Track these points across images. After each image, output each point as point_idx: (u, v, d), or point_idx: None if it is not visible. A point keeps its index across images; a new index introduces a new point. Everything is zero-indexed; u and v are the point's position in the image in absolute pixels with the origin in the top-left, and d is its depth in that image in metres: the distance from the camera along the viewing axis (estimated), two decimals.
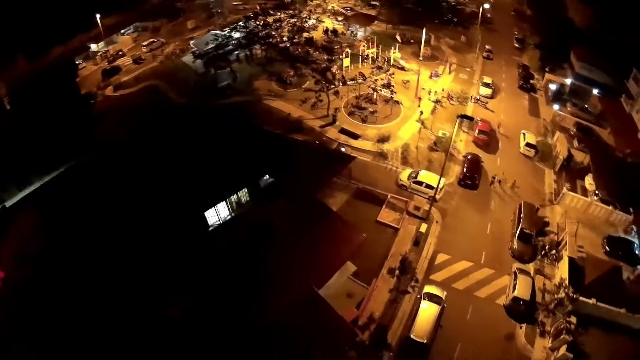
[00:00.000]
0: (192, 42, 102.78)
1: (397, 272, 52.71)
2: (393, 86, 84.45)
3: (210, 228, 41.10)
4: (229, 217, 42.07)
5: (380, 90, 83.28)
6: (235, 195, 41.94)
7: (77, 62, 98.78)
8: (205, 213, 40.24)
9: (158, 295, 39.24)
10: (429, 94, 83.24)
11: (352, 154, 64.99)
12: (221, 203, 41.44)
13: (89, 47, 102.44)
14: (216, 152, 42.52)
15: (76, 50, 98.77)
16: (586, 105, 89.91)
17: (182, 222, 39.09)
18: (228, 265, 41.86)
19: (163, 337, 38.40)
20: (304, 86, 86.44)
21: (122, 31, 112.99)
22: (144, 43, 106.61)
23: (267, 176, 43.89)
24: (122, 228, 41.20)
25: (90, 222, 43.49)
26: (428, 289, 49.81)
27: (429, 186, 61.54)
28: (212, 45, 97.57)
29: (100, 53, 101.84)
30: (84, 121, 68.23)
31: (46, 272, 41.90)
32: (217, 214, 41.06)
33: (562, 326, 46.23)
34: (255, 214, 43.45)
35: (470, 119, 58.16)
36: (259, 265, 43.30)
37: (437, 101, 79.46)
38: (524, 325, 49.12)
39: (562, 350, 44.22)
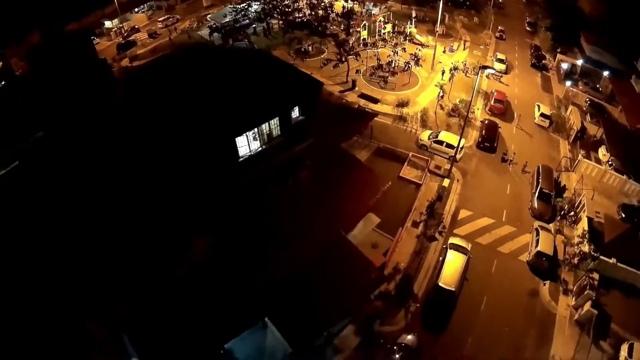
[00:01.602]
0: (209, 15, 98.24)
1: (424, 217, 49.63)
2: (420, 59, 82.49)
3: (241, 159, 35.97)
4: (260, 149, 37.09)
5: (399, 59, 79.71)
6: (267, 127, 36.74)
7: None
8: (237, 139, 34.89)
9: (184, 229, 35.06)
10: (448, 67, 78.55)
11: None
12: (254, 131, 36.30)
13: (103, 24, 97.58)
14: (247, 81, 37.76)
15: (91, 27, 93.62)
16: (597, 85, 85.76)
17: (213, 148, 34.41)
18: (255, 201, 38.09)
19: (184, 278, 34.58)
20: (322, 56, 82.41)
21: (137, 9, 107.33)
22: (160, 19, 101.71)
23: (298, 113, 38.56)
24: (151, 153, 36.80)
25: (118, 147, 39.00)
26: (453, 240, 46.60)
27: (449, 145, 58.09)
28: (230, 19, 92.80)
29: (115, 29, 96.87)
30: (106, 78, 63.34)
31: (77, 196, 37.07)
32: (248, 143, 35.66)
33: (585, 283, 43.31)
34: (285, 150, 39.16)
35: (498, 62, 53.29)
36: (287, 204, 39.76)
37: (455, 68, 74.86)
38: (547, 282, 46.01)
39: (587, 306, 41.35)
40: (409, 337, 38.58)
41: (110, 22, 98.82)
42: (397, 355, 37.01)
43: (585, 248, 46.39)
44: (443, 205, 52.76)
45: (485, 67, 50.76)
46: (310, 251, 37.48)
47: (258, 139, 37.68)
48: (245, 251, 36.63)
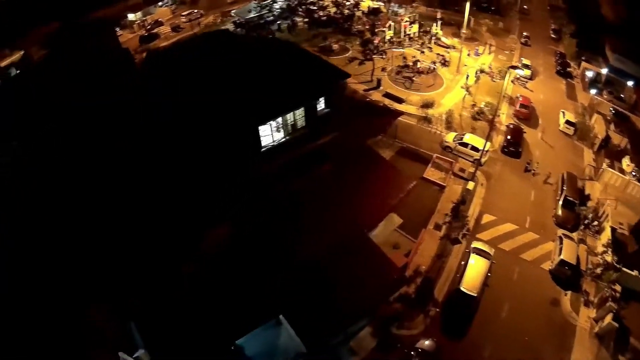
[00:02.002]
0: (233, 11, 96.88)
1: (448, 219, 48.53)
2: (447, 60, 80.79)
3: (264, 149, 34.79)
4: (284, 139, 36.03)
5: (422, 61, 78.29)
6: (292, 117, 35.56)
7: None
8: (260, 128, 33.81)
9: (202, 218, 33.77)
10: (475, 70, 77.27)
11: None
12: (278, 121, 35.07)
13: (126, 16, 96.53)
14: (274, 70, 36.34)
15: (114, 18, 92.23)
16: (622, 95, 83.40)
17: (235, 136, 33.31)
18: (275, 193, 37.03)
19: (198, 270, 33.43)
20: (347, 54, 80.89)
21: (160, 3, 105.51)
22: (183, 13, 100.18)
23: (324, 105, 37.26)
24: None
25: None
26: (476, 244, 45.24)
27: (474, 148, 56.70)
28: (254, 14, 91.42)
29: (138, 22, 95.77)
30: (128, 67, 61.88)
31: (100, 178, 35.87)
32: (271, 132, 34.69)
33: (607, 294, 41.87)
34: (309, 142, 37.93)
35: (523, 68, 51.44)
36: (308, 197, 38.41)
37: (481, 71, 73.35)
38: (568, 292, 44.58)
39: (608, 318, 39.89)
40: (427, 342, 37.36)
41: (133, 14, 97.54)
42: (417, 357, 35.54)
43: (609, 258, 45.00)
44: (467, 209, 51.38)
45: (514, 67, 49.22)
46: (329, 247, 36.30)
47: (282, 129, 36.33)
48: (263, 244, 35.54)
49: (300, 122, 37.69)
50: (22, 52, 73.08)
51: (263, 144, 35.60)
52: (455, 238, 46.58)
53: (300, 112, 37.16)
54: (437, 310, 41.19)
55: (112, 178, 34.22)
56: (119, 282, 31.11)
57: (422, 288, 42.41)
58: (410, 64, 77.31)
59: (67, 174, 35.20)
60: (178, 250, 32.09)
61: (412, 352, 36.36)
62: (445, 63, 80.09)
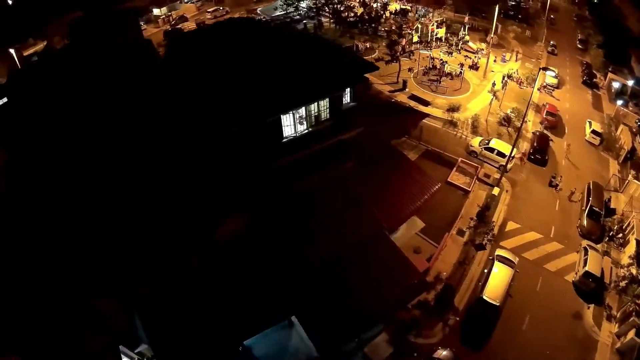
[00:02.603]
0: (259, 9, 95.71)
1: (473, 223, 46.92)
2: (476, 64, 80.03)
3: (285, 139, 32.90)
4: (306, 131, 33.82)
5: (449, 65, 76.87)
6: (316, 108, 33.41)
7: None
8: (282, 117, 31.91)
9: (216, 207, 31.94)
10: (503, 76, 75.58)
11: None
12: (300, 111, 32.89)
13: (152, 11, 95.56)
14: (299, 59, 34.46)
15: (138, 10, 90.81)
16: None
17: (257, 124, 31.28)
18: (295, 186, 34.80)
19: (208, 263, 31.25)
20: (373, 55, 79.26)
21: None
22: (209, 10, 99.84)
23: (349, 99, 35.53)
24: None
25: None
26: (500, 252, 43.34)
27: (500, 154, 55.13)
28: (280, 12, 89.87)
29: (163, 17, 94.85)
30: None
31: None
32: (294, 122, 32.72)
33: (630, 309, 39.80)
34: (333, 136, 35.50)
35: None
36: (328, 193, 36.28)
37: (508, 76, 71.59)
38: (591, 305, 42.52)
39: (631, 334, 37.75)
40: (445, 352, 35.45)
41: (159, 9, 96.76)
42: None
43: (634, 271, 43.02)
44: (491, 215, 49.68)
45: (545, 69, 47.35)
46: (348, 247, 34.30)
47: (305, 120, 33.81)
48: (279, 239, 33.32)
49: (325, 115, 35.01)
50: (45, 43, 72.23)
51: (285, 134, 33.17)
52: (480, 244, 44.76)
53: (324, 104, 34.52)
54: (457, 319, 39.45)
55: (124, 162, 32.48)
56: (127, 272, 29.38)
57: (443, 295, 40.72)
58: (438, 65, 74.98)
59: (76, 161, 33.53)
60: (189, 240, 30.29)
61: None
62: (474, 66, 78.47)
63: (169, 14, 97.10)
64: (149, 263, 29.27)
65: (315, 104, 33.60)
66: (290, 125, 33.04)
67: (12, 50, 68.03)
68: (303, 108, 32.93)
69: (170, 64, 40.75)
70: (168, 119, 33.90)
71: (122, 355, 32.38)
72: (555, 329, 40.05)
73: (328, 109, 34.67)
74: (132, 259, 29.12)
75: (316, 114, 34.15)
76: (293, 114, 32.67)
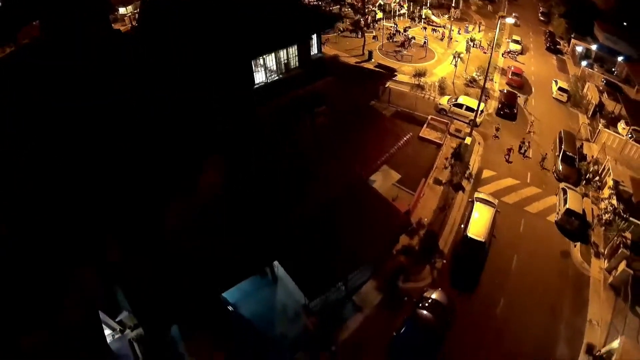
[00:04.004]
0: None
1: (450, 162, 44.56)
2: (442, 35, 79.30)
3: (256, 86, 30.91)
4: (277, 78, 32.18)
5: (413, 38, 75.13)
6: (285, 55, 31.81)
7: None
8: (252, 62, 30.00)
9: (190, 155, 28.73)
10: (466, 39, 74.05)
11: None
12: (269, 58, 31.19)
13: (117, 10, 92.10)
14: (266, 7, 31.96)
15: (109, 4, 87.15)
16: (613, 69, 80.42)
17: (227, 67, 29.06)
18: (270, 133, 32.44)
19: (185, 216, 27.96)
20: (336, 33, 76.29)
21: None
22: None
23: (317, 50, 34.75)
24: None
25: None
26: (479, 194, 40.69)
27: (469, 109, 53.13)
28: None
29: (129, 15, 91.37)
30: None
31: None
32: (264, 70, 30.91)
33: (617, 242, 37.77)
34: (304, 84, 33.94)
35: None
36: (304, 141, 34.01)
37: (471, 39, 70.06)
38: (577, 243, 40.37)
39: (621, 266, 35.83)
40: (436, 292, 32.52)
41: (124, 8, 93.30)
42: (426, 306, 30.98)
43: (614, 202, 41.38)
44: (467, 158, 47.55)
45: (502, 17, 45.32)
46: (329, 193, 31.94)
47: (275, 67, 32.18)
48: (259, 190, 30.49)
49: (294, 63, 33.45)
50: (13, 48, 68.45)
51: (256, 80, 31.23)
52: (458, 183, 42.05)
53: (293, 52, 32.95)
54: (444, 261, 36.78)
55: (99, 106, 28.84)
56: (102, 232, 26.22)
57: (426, 241, 38.18)
58: (401, 31, 73.83)
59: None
60: (162, 192, 27.02)
61: (422, 301, 31.58)
62: (442, 39, 77.63)
63: (136, 11, 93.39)
64: (125, 221, 26.26)
65: (284, 51, 32.21)
66: (261, 71, 31.36)
67: None
68: (273, 54, 31.48)
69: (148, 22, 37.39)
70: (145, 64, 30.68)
71: (104, 326, 29.11)
72: (545, 268, 37.73)
73: (297, 58, 33.20)
74: (107, 217, 25.89)
75: (285, 61, 32.59)
76: (264, 59, 31.05)
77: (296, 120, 33.81)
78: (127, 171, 26.43)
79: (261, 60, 31.02)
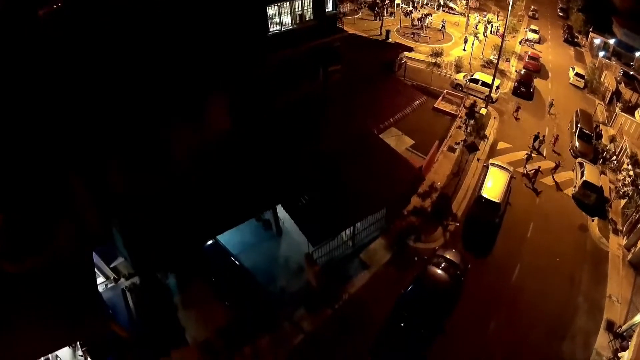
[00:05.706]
0: None
1: (466, 120, 40.91)
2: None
3: (270, 33, 29.60)
4: (291, 27, 30.72)
5: (431, 22, 73.52)
6: (299, 5, 30.55)
7: None
8: (268, 8, 28.71)
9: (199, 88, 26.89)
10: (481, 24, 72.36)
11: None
12: (285, 7, 29.90)
13: None
14: None
15: None
16: (630, 63, 76.35)
17: (242, 14, 27.53)
18: (283, 82, 31.10)
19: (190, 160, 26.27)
20: (356, 16, 75.19)
21: None
22: None
23: (331, 7, 32.99)
24: None
25: None
26: (494, 160, 37.73)
27: (485, 84, 50.94)
28: None
29: None
30: None
31: None
32: (278, 18, 29.55)
33: (636, 218, 34.85)
34: (318, 36, 32.26)
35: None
36: (317, 93, 33.32)
37: (488, 22, 68.56)
38: (595, 218, 37.49)
39: None
40: (450, 252, 30.01)
41: None
42: (439, 265, 28.47)
43: (633, 173, 37.94)
44: (483, 123, 44.73)
45: None
46: (338, 141, 30.61)
47: (290, 16, 30.57)
48: (267, 136, 29.51)
49: (308, 15, 31.84)
50: None
51: (270, 28, 29.68)
52: (472, 143, 38.90)
53: (308, 4, 31.35)
54: (457, 224, 34.35)
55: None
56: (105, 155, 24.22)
57: (439, 204, 35.79)
58: (420, 15, 71.51)
59: None
60: (168, 112, 24.94)
61: (435, 259, 29.09)
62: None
63: None
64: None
65: (299, 2, 30.78)
66: (276, 18, 29.85)
67: None
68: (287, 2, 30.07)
69: None
70: None
71: (98, 272, 27.71)
72: (562, 239, 34.95)
73: (312, 10, 31.74)
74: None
75: (300, 12, 31.10)
76: (279, 6, 29.57)
77: (308, 72, 32.32)
78: (133, 83, 24.23)
79: (276, 8, 29.42)
